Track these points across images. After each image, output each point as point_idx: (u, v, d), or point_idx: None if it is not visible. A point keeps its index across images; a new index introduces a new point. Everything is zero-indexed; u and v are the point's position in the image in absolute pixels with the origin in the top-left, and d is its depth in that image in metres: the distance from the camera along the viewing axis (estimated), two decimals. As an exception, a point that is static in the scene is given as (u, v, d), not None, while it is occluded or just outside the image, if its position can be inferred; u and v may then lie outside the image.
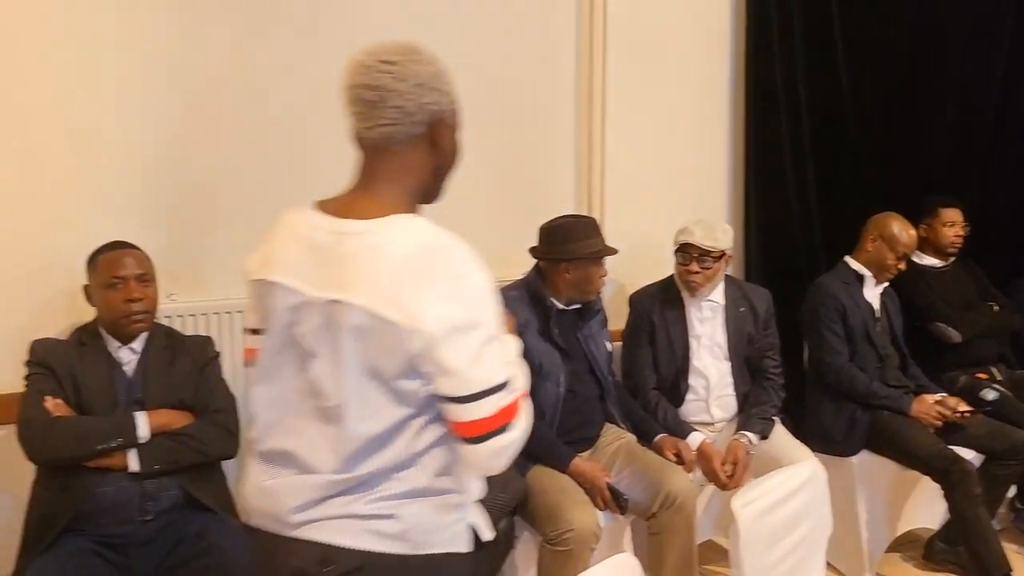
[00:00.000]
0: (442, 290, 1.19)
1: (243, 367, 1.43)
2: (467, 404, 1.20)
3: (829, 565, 2.59)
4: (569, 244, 2.49)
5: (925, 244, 3.34)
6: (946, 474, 2.73)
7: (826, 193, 3.50)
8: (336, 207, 1.33)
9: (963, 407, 2.93)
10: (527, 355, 2.40)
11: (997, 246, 3.79)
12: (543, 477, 2.38)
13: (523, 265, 2.82)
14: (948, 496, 2.75)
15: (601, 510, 2.35)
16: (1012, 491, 3.16)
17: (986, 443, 2.92)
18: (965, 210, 3.39)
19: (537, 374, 2.46)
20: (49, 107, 2.33)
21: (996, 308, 3.39)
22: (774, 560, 1.68)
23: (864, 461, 2.91)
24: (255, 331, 1.36)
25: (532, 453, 2.42)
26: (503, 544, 2.23)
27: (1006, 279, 3.62)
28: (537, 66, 3.07)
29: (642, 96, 3.25)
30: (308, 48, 2.66)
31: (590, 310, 2.62)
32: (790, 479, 1.74)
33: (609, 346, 2.68)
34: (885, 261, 3.01)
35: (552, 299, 2.53)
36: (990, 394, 3.14)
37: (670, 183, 3.34)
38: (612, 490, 2.36)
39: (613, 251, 2.53)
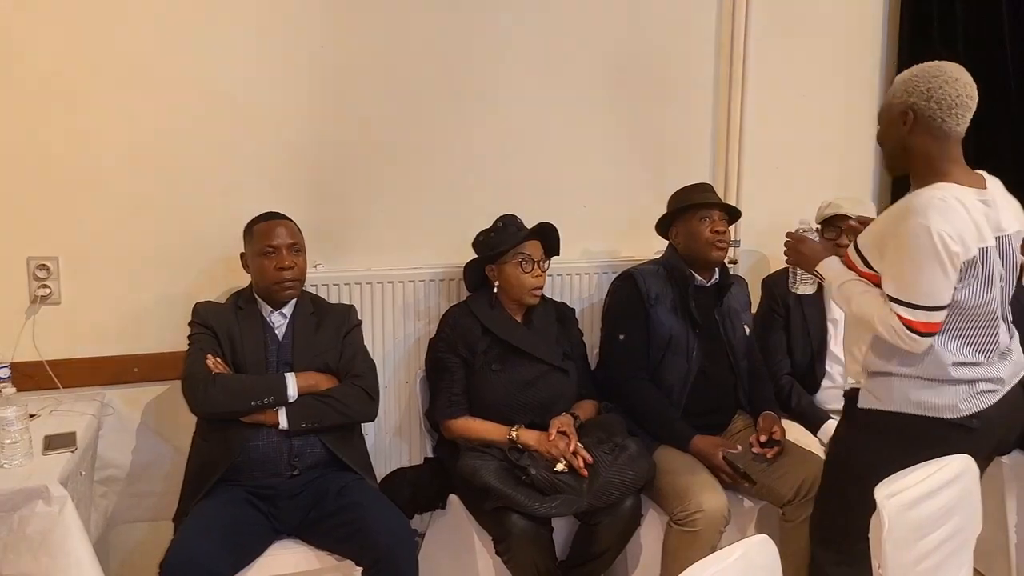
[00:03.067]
0: None
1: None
2: None
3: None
4: (679, 199, 2.56)
5: None
6: None
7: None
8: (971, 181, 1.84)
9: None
10: (658, 328, 2.45)
11: None
12: (671, 456, 2.38)
13: (651, 246, 2.81)
14: None
15: (727, 487, 2.32)
16: None
17: None
18: None
19: (666, 348, 2.45)
20: (209, 85, 2.48)
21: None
22: (918, 555, 1.61)
23: (1016, 461, 2.74)
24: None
25: (654, 431, 2.44)
26: (630, 521, 2.24)
27: None
28: (676, 41, 3.02)
29: (784, 72, 3.15)
30: (450, 31, 2.72)
31: (727, 287, 2.58)
32: (940, 472, 1.66)
33: (747, 329, 2.63)
34: None
35: (692, 272, 2.52)
36: None
37: (811, 164, 3.23)
38: (731, 463, 2.32)
39: (722, 204, 2.56)
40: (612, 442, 2.29)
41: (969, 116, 1.82)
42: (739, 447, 2.39)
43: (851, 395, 1.96)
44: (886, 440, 1.84)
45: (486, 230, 2.51)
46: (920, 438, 1.82)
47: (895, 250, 1.77)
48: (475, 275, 2.52)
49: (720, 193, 3.04)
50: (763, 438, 2.43)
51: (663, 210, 2.62)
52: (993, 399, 1.84)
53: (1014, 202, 1.92)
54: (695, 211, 2.52)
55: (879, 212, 3.17)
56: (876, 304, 1.81)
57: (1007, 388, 1.88)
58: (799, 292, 2.14)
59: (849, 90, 3.27)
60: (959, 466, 1.70)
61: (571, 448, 2.22)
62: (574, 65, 2.89)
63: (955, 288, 1.76)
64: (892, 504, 1.56)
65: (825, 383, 2.73)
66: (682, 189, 2.63)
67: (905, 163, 1.88)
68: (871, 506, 1.51)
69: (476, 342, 2.40)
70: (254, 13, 2.50)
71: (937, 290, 1.73)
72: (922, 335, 1.75)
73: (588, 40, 2.90)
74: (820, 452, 2.55)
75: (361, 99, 2.64)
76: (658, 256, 2.67)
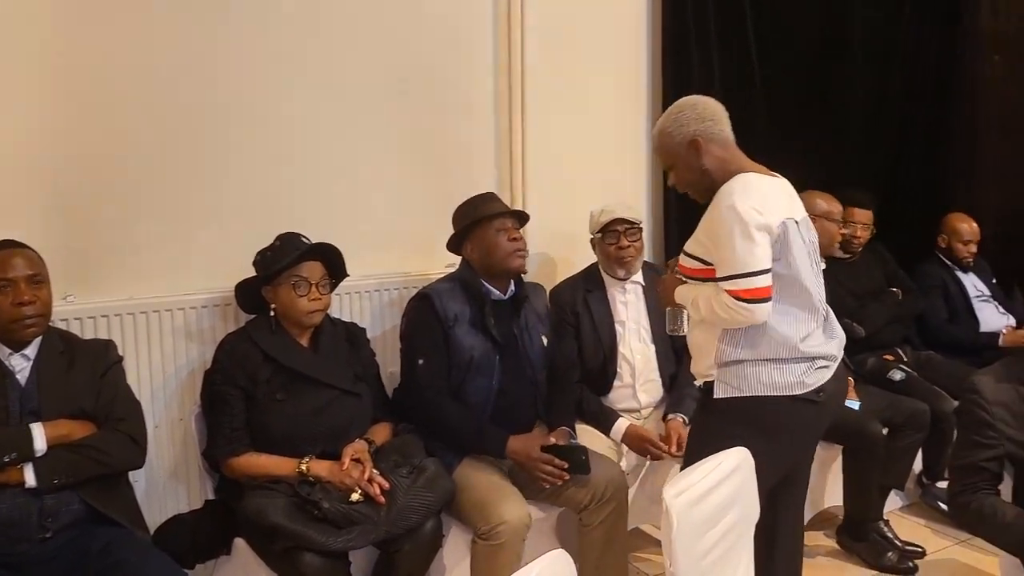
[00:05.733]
0: None
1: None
2: None
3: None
4: (467, 213, 2.51)
5: None
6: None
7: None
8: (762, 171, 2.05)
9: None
10: (459, 350, 2.39)
11: (909, 228, 3.98)
12: (471, 473, 2.34)
13: (441, 259, 2.77)
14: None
15: (549, 485, 2.31)
16: (918, 467, 3.30)
17: (887, 416, 3.03)
18: (873, 204, 3.50)
19: (468, 369, 2.41)
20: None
21: (900, 294, 3.51)
22: (705, 548, 1.67)
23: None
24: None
25: (464, 446, 2.39)
26: (431, 544, 2.18)
27: (916, 258, 3.79)
28: (456, 54, 3.01)
29: (560, 85, 3.23)
30: (220, 37, 2.53)
31: (524, 299, 2.56)
32: (720, 466, 1.74)
33: (545, 340, 2.62)
34: None
35: (488, 286, 2.48)
36: (897, 375, 3.26)
37: (590, 172, 3.33)
38: (559, 449, 2.31)
39: (514, 212, 2.55)
40: (410, 464, 2.21)
41: (728, 122, 2.09)
42: (553, 439, 2.39)
43: (706, 388, 2.09)
44: (745, 424, 1.96)
45: (264, 249, 2.35)
46: (775, 417, 1.98)
47: (714, 237, 1.94)
48: (251, 297, 2.35)
49: (507, 199, 3.06)
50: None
51: (451, 223, 2.58)
52: (829, 374, 2.02)
53: (794, 191, 2.12)
54: (489, 222, 2.49)
55: (652, 212, 3.46)
56: (711, 295, 1.96)
57: (836, 364, 2.07)
58: (683, 333, 2.22)
59: (620, 101, 3.43)
60: (737, 458, 1.79)
61: (366, 475, 2.12)
62: (356, 77, 2.80)
63: (775, 262, 1.92)
64: (680, 502, 1.60)
65: (616, 383, 2.82)
66: (467, 202, 2.58)
67: (710, 183, 2.04)
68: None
69: (257, 370, 2.23)
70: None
71: (750, 255, 1.88)
72: (750, 302, 1.88)
73: (368, 52, 2.82)
74: (612, 454, 2.63)
75: (114, 109, 2.39)
76: (451, 269, 2.63)
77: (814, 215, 3.02)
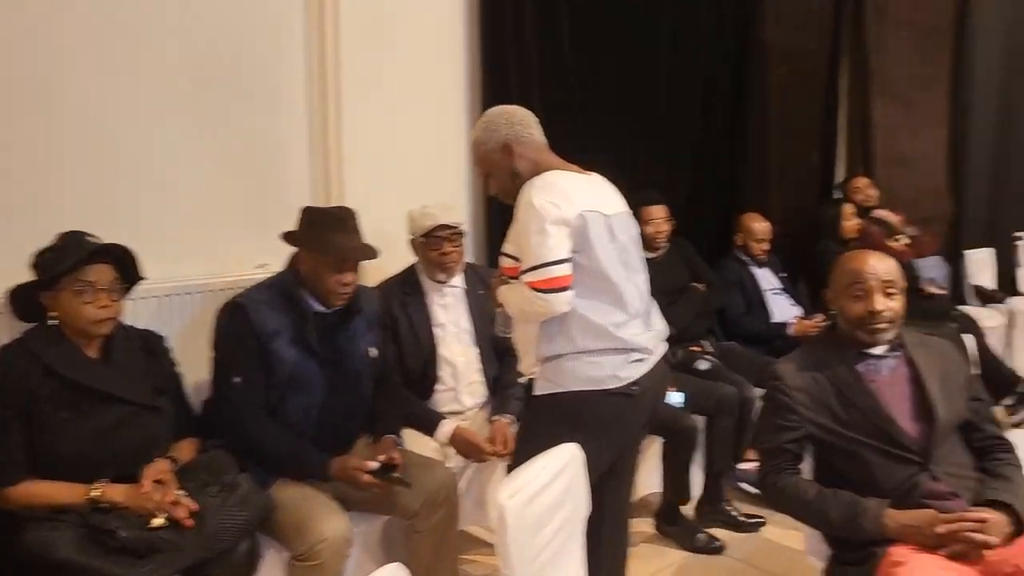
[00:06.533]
0: None
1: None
2: None
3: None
4: (317, 226, 2.27)
5: None
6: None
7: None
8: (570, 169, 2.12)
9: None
10: (277, 365, 2.20)
11: (710, 226, 4.25)
12: (287, 489, 2.19)
13: (251, 260, 2.59)
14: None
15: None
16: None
17: (701, 405, 3.19)
18: (670, 203, 3.66)
19: (288, 386, 2.24)
20: None
21: (703, 288, 3.71)
22: (539, 546, 1.65)
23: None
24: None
25: (283, 471, 2.23)
26: (244, 567, 2.01)
27: (718, 254, 4.02)
28: (267, 43, 2.83)
29: (379, 80, 3.12)
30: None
31: (353, 313, 2.37)
32: (551, 464, 1.73)
33: (373, 351, 2.44)
34: None
35: (310, 300, 2.28)
36: (703, 364, 3.45)
37: (411, 169, 3.24)
38: (381, 474, 2.20)
39: (357, 252, 2.29)
40: (220, 483, 2.03)
41: (539, 127, 2.18)
42: (378, 459, 2.25)
43: (529, 386, 2.10)
44: (564, 419, 1.98)
45: (43, 250, 2.06)
46: (591, 411, 2.01)
47: (517, 234, 2.00)
48: (28, 304, 2.06)
49: (322, 198, 2.92)
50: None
51: (263, 221, 2.42)
52: (645, 368, 2.06)
53: (614, 189, 2.20)
54: (329, 258, 2.25)
55: (473, 212, 3.43)
56: (516, 290, 2.02)
57: (654, 358, 2.11)
58: (511, 333, 2.20)
59: (441, 100, 3.36)
60: (567, 455, 1.79)
61: (169, 498, 1.92)
62: (155, 64, 2.57)
63: (577, 253, 1.97)
64: (513, 503, 1.57)
65: (438, 387, 2.76)
66: (324, 215, 2.33)
67: (517, 185, 2.08)
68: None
69: (37, 387, 1.95)
70: None
71: (543, 247, 1.93)
72: (547, 292, 1.93)
73: (170, 37, 2.58)
74: (438, 455, 2.57)
75: None
76: (262, 271, 2.43)
77: None
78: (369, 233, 2.37)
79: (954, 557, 1.76)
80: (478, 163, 2.21)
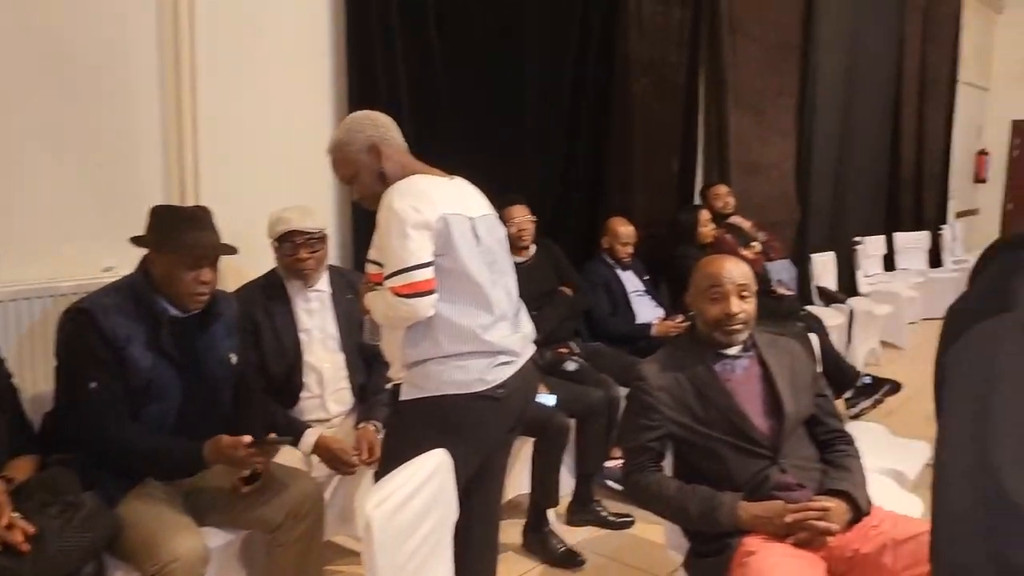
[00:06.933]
0: None
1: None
2: None
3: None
4: (166, 226, 2.17)
5: None
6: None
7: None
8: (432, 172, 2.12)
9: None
10: (133, 372, 2.07)
11: (578, 230, 4.33)
12: (137, 506, 2.06)
13: (97, 263, 2.44)
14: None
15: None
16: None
17: (571, 408, 3.25)
18: (539, 208, 3.72)
19: (144, 393, 2.11)
20: None
21: (570, 292, 3.78)
22: (407, 554, 1.63)
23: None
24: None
25: (156, 470, 2.15)
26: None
27: (585, 257, 4.12)
28: (110, 31, 2.65)
29: (240, 76, 2.98)
30: None
31: (212, 317, 2.28)
32: (419, 470, 1.71)
33: (233, 357, 2.35)
34: None
35: (164, 303, 2.16)
36: (571, 366, 3.52)
37: (275, 176, 3.11)
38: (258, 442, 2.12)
39: (211, 250, 2.19)
40: (62, 502, 1.88)
41: (399, 131, 2.18)
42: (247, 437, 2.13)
43: (395, 391, 2.07)
44: (431, 424, 1.97)
45: None
46: (458, 415, 1.99)
47: (379, 239, 2.00)
48: None
49: (177, 198, 2.77)
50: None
51: (110, 222, 2.27)
52: (512, 370, 2.06)
53: (479, 192, 2.20)
54: (183, 256, 2.15)
55: (340, 214, 3.35)
56: (380, 296, 1.99)
57: (522, 360, 2.10)
58: (379, 341, 2.16)
59: (305, 98, 3.26)
60: (435, 461, 1.77)
61: (2, 522, 1.77)
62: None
63: (441, 256, 1.96)
64: (380, 513, 1.54)
65: (303, 394, 2.68)
66: (175, 213, 2.23)
67: (383, 188, 2.05)
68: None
69: None
70: None
71: (404, 250, 1.92)
72: (410, 296, 1.91)
73: (8, 26, 2.37)
74: (303, 465, 2.49)
75: None
76: (110, 275, 2.28)
77: None
78: (228, 235, 2.26)
79: (800, 544, 1.87)
80: (342, 166, 2.15)
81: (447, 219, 1.98)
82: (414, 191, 1.98)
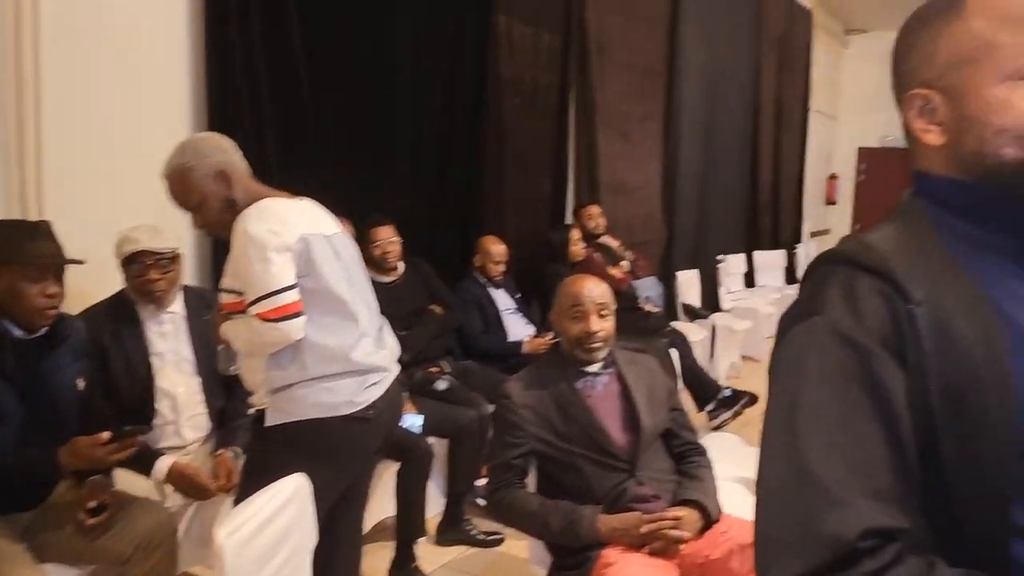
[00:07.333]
0: None
1: None
2: None
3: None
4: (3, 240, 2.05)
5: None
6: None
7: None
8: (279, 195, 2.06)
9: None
10: None
11: (451, 249, 4.35)
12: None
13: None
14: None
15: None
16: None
17: (442, 429, 3.25)
18: (411, 227, 3.71)
19: None
20: None
21: (439, 310, 3.77)
22: (262, 584, 1.59)
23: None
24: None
25: (8, 484, 2.01)
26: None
27: (457, 276, 4.14)
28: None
29: (84, 90, 2.82)
30: None
31: (60, 339, 2.16)
32: (275, 497, 1.67)
33: (81, 383, 2.23)
34: None
35: (6, 324, 2.04)
36: (442, 384, 3.52)
37: (126, 191, 2.94)
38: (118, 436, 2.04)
39: (54, 261, 2.10)
40: None
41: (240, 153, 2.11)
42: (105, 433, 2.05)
43: (258, 417, 2.01)
44: (298, 449, 1.94)
45: None
46: (328, 438, 1.97)
47: (237, 266, 1.94)
48: None
49: (17, 210, 2.59)
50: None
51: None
52: (380, 391, 2.06)
53: (326, 211, 2.17)
54: (21, 267, 2.03)
55: (197, 232, 3.19)
56: (243, 324, 1.95)
57: (390, 378, 2.11)
58: (237, 371, 2.10)
59: (161, 112, 3.11)
60: (292, 486, 1.74)
61: None
62: None
63: (303, 277, 1.94)
64: (233, 542, 1.50)
65: (156, 421, 2.54)
66: (17, 227, 2.13)
67: (232, 215, 1.99)
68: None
69: None
70: None
71: (267, 275, 1.89)
72: (279, 320, 1.88)
73: None
74: (155, 495, 2.38)
75: None
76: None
77: None
78: (74, 253, 2.15)
79: (655, 553, 1.95)
80: (184, 192, 2.03)
81: (307, 239, 1.96)
82: (269, 214, 1.95)
